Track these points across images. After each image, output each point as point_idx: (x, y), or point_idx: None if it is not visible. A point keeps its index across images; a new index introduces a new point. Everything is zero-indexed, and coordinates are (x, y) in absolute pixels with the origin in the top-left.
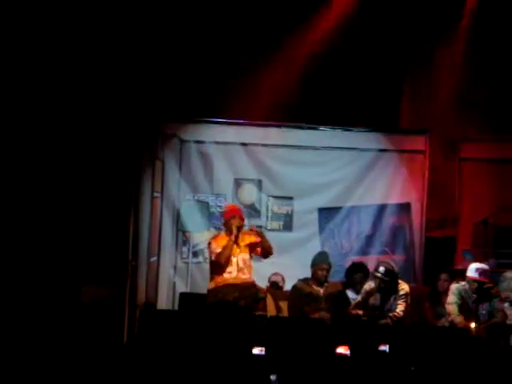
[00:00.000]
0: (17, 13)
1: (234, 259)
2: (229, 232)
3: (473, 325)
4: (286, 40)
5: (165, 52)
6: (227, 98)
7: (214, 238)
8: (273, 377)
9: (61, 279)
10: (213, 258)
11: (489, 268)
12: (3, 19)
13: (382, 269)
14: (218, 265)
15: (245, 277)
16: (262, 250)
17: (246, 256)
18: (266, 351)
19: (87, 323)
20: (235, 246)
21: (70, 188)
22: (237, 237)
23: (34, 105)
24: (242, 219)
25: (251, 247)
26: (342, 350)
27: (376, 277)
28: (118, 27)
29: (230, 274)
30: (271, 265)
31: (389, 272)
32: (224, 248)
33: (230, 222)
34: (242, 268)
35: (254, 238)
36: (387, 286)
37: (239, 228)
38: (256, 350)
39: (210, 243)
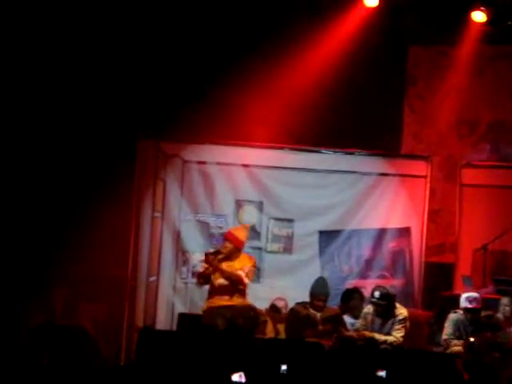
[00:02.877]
0: None
1: (225, 282)
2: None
3: (471, 339)
4: (290, 63)
5: (170, 72)
6: (230, 119)
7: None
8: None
9: (59, 297)
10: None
11: (480, 295)
12: None
13: (377, 293)
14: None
15: (238, 300)
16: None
17: None
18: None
19: (83, 342)
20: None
21: (70, 206)
22: (221, 260)
23: (35, 119)
24: (233, 242)
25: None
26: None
27: (372, 302)
28: (121, 43)
29: (222, 297)
30: (271, 287)
31: (384, 296)
32: (203, 271)
33: None
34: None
35: (248, 263)
36: (384, 309)
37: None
38: (236, 377)
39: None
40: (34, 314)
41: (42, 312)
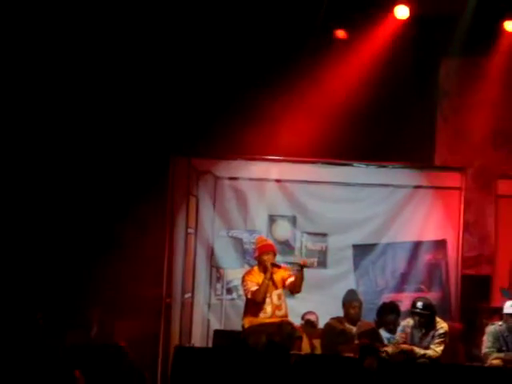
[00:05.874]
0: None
1: (268, 297)
2: (262, 268)
3: None
4: (322, 76)
5: (200, 89)
6: (262, 134)
7: (248, 273)
8: None
9: (95, 316)
10: (249, 296)
11: None
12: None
13: (419, 304)
14: (256, 303)
15: (281, 313)
16: (291, 286)
17: (280, 291)
18: None
19: (119, 361)
20: (270, 283)
21: (103, 225)
22: (271, 273)
23: (66, 137)
24: (275, 254)
25: (283, 282)
26: None
27: (414, 312)
28: (154, 61)
29: (266, 314)
30: (306, 302)
31: (427, 306)
32: (260, 286)
33: (263, 258)
34: (277, 305)
35: (285, 274)
36: (426, 320)
37: (273, 264)
38: None
39: (243, 279)
40: (70, 334)
41: (78, 332)
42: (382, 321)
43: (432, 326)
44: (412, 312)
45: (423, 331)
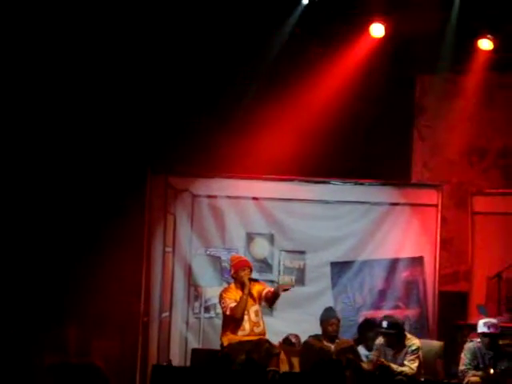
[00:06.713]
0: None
1: (246, 314)
2: (239, 284)
3: (491, 371)
4: (298, 93)
5: (178, 107)
6: (239, 152)
7: (225, 290)
8: None
9: (72, 335)
10: (227, 312)
11: (498, 322)
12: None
13: (385, 323)
14: (234, 319)
15: (258, 330)
16: (268, 295)
17: (257, 307)
18: None
19: (96, 381)
20: (249, 299)
21: (80, 243)
22: (249, 289)
23: (45, 155)
24: (251, 270)
25: (259, 296)
26: None
27: (381, 332)
28: (133, 79)
29: (244, 331)
30: (284, 320)
31: (392, 325)
32: (239, 301)
33: (240, 274)
34: (255, 322)
35: (261, 288)
36: (394, 339)
37: (250, 279)
38: None
39: (221, 297)
40: (47, 353)
41: (55, 351)
42: (364, 337)
43: (402, 343)
44: (379, 332)
45: (394, 350)
